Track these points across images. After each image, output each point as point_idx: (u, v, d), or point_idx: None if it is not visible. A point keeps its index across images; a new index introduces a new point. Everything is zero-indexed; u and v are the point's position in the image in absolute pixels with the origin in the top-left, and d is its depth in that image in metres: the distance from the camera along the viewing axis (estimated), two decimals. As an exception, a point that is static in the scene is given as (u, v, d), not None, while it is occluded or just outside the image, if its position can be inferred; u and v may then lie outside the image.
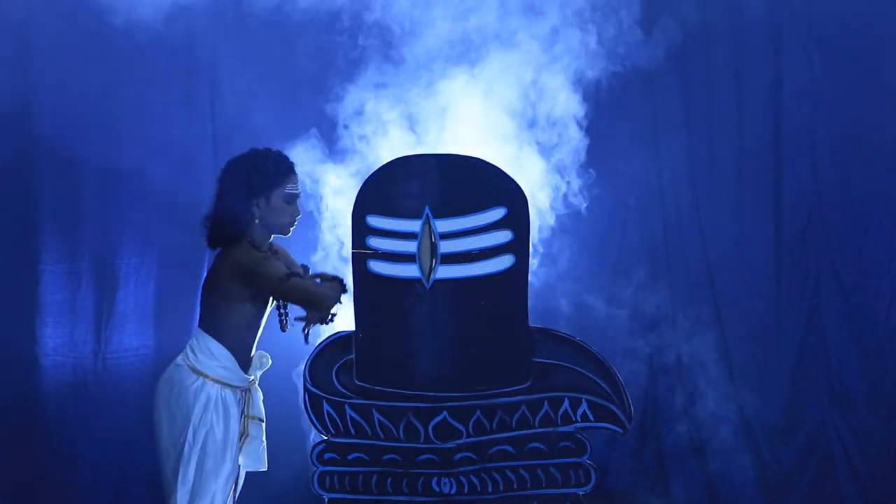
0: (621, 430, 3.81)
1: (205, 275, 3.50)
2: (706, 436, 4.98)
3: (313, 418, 3.77)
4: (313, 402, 3.78)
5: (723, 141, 4.97)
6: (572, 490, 3.80)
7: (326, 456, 3.76)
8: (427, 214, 3.73)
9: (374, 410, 3.77)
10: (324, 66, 4.73)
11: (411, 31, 4.55)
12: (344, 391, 3.76)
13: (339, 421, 3.77)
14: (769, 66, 4.88)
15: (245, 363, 3.39)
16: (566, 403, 3.78)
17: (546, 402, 3.78)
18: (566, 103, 4.66)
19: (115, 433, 4.75)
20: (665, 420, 5.07)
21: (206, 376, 3.29)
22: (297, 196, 3.42)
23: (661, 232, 5.09)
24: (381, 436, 3.77)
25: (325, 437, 3.74)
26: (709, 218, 4.99)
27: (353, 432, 3.77)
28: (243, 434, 3.37)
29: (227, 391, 3.32)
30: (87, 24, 4.61)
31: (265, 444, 3.51)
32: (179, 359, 3.35)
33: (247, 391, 3.40)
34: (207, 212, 3.44)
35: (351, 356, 3.74)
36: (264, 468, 3.52)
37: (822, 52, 4.77)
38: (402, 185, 3.75)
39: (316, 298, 3.35)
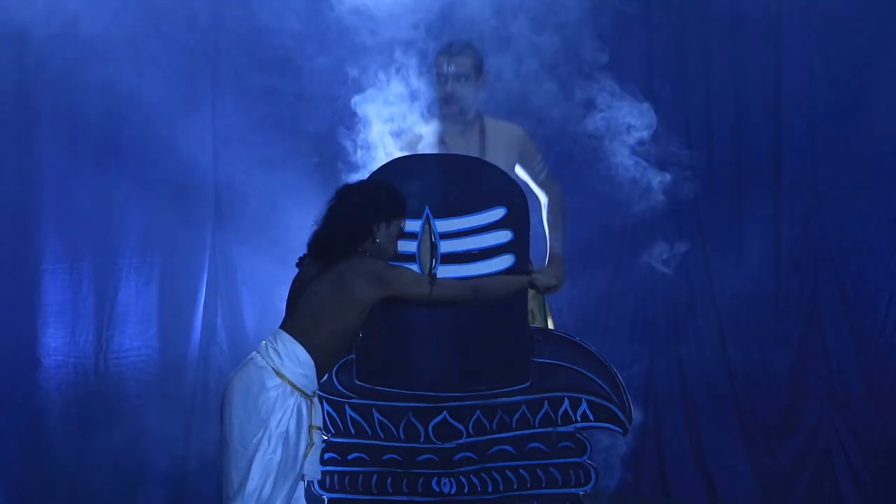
0: (621, 430, 3.82)
1: (311, 283, 3.40)
2: (706, 436, 4.98)
3: (313, 418, 3.77)
4: (313, 402, 3.78)
5: (722, 141, 4.97)
6: (572, 490, 3.80)
7: (326, 456, 3.77)
8: (427, 214, 3.73)
9: (374, 410, 3.77)
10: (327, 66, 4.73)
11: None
12: (344, 391, 3.76)
13: (339, 421, 3.77)
14: (769, 67, 4.88)
15: (321, 375, 3.39)
16: (566, 403, 3.78)
17: (546, 402, 3.78)
18: (566, 105, 4.67)
19: (116, 433, 4.76)
20: (665, 420, 5.07)
21: (287, 380, 3.28)
22: (403, 232, 3.51)
23: (661, 232, 5.10)
24: (381, 436, 3.77)
25: (325, 437, 3.74)
26: (709, 218, 4.99)
27: (353, 432, 3.77)
28: (309, 443, 3.37)
29: (302, 399, 3.32)
30: (88, 24, 4.62)
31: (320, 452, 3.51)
32: (259, 360, 3.29)
33: (311, 400, 3.40)
34: (321, 228, 3.42)
35: (351, 356, 3.75)
36: (319, 477, 3.51)
37: (822, 52, 4.77)
38: (402, 185, 3.76)
39: (464, 299, 3.50)
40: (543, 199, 4.37)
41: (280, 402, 3.26)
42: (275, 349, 3.31)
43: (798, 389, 4.82)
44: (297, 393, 3.29)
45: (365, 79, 4.55)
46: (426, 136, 4.32)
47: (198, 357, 4.90)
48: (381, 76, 4.39)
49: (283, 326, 3.38)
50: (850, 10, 4.69)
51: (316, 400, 3.41)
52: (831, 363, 4.75)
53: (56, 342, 4.73)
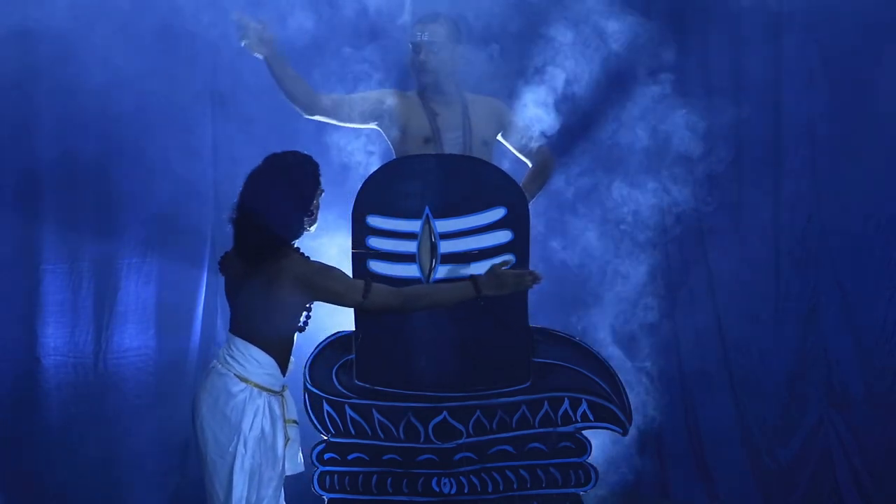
0: (621, 430, 3.82)
1: (243, 284, 3.37)
2: (706, 436, 4.98)
3: (313, 418, 3.77)
4: (313, 402, 3.78)
5: (722, 141, 4.97)
6: (572, 490, 3.81)
7: (326, 456, 3.77)
8: (427, 214, 3.73)
9: (374, 410, 3.77)
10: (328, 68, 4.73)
11: None
12: (344, 391, 3.76)
13: (339, 421, 3.77)
14: (768, 66, 4.88)
15: (284, 369, 3.40)
16: (566, 403, 3.78)
17: (546, 402, 3.78)
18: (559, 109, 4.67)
19: (115, 433, 4.76)
20: (665, 420, 5.07)
21: (253, 384, 3.28)
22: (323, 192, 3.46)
23: (661, 232, 5.10)
24: (381, 436, 3.77)
25: (325, 437, 3.74)
26: (707, 217, 4.99)
27: (353, 432, 3.77)
28: (286, 439, 3.36)
29: (272, 397, 3.31)
30: (88, 26, 4.62)
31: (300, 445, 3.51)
32: (220, 367, 3.29)
33: (282, 395, 3.40)
34: (249, 227, 3.31)
35: (351, 356, 3.75)
36: (302, 469, 3.51)
37: (822, 51, 4.77)
38: (402, 185, 3.76)
39: (395, 309, 3.48)
40: (529, 164, 4.35)
41: (249, 405, 3.25)
42: (231, 355, 3.30)
43: (798, 389, 4.82)
44: (265, 393, 3.28)
45: (365, 84, 4.56)
46: (413, 108, 4.23)
47: (198, 357, 4.90)
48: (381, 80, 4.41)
49: (232, 330, 3.38)
50: (850, 10, 4.68)
51: (287, 394, 3.41)
52: (831, 363, 4.76)
53: (56, 342, 4.73)
